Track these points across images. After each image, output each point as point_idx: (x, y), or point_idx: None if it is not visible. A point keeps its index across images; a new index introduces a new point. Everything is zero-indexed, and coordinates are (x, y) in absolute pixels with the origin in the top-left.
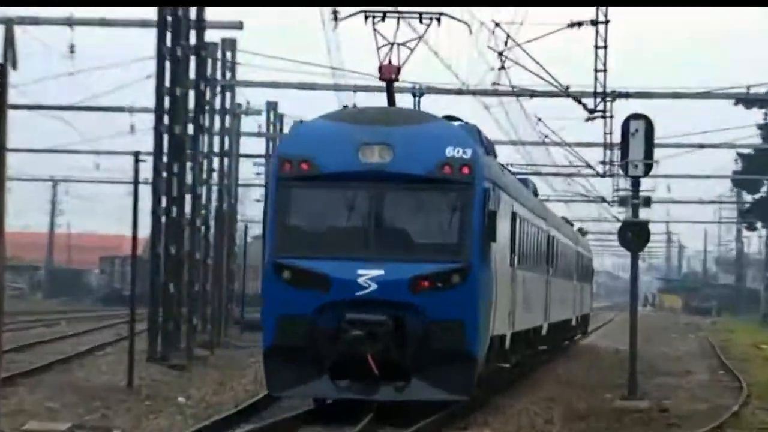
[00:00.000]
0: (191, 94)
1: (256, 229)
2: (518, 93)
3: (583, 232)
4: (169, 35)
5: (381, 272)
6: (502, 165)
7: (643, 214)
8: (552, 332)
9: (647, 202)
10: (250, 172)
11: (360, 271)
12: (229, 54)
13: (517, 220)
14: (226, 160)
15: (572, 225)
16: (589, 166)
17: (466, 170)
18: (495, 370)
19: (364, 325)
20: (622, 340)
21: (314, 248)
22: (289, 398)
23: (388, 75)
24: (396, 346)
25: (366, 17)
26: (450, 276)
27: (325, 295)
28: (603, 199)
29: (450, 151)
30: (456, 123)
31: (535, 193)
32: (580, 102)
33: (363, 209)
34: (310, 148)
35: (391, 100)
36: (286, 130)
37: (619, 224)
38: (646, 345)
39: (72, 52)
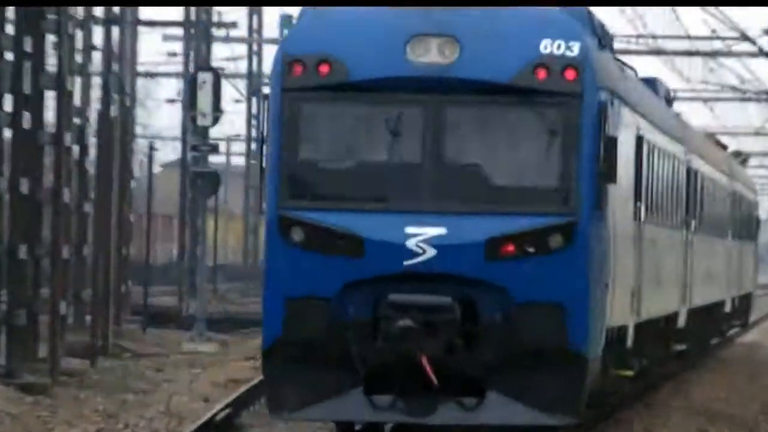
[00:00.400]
0: None
1: (169, 152)
2: None
3: (741, 157)
4: None
5: (442, 231)
6: (622, 61)
7: None
8: (693, 323)
9: None
10: (157, 51)
11: (409, 230)
12: None
13: (644, 149)
14: (115, 31)
15: (724, 147)
16: (746, 38)
17: (571, 74)
18: (612, 380)
19: (417, 311)
20: None
21: (339, 195)
22: (297, 421)
23: None
24: (464, 343)
25: None
26: (547, 236)
27: (356, 267)
28: None
29: (547, 46)
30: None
31: (669, 101)
32: None
33: (414, 136)
34: (333, 43)
35: None
36: None
37: None
38: None
39: None
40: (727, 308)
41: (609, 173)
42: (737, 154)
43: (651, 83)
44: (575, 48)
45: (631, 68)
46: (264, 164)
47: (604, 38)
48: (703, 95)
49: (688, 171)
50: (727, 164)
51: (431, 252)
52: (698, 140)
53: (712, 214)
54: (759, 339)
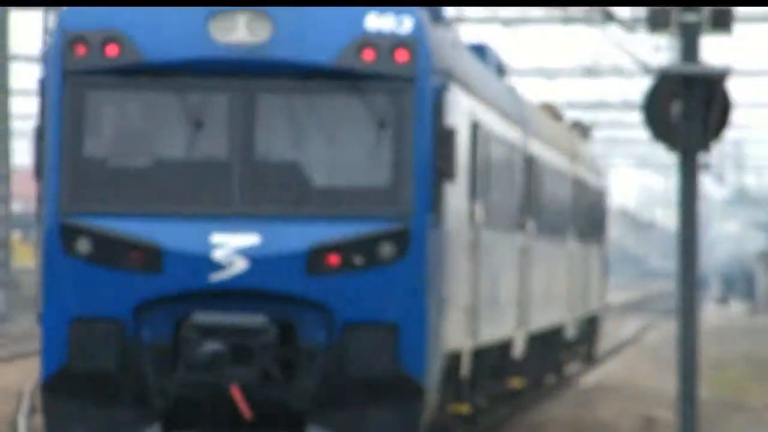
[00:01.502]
0: None
1: None
2: None
3: (584, 129)
4: None
5: (254, 240)
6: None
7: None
8: (531, 352)
9: (722, 19)
10: None
11: (216, 238)
12: None
13: (480, 136)
14: None
15: (561, 119)
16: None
17: (402, 55)
18: (447, 418)
19: (226, 333)
20: (666, 383)
21: (133, 198)
22: None
23: None
24: (283, 371)
25: None
26: (377, 245)
27: (153, 282)
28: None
29: (373, 21)
30: None
31: (501, 71)
32: None
33: (219, 127)
34: (123, 17)
35: None
36: None
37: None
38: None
39: None
40: (570, 333)
41: (447, 170)
42: (577, 125)
43: (480, 51)
44: (407, 24)
45: (448, 22)
46: (42, 162)
47: (437, 13)
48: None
49: (526, 158)
50: (569, 143)
51: (242, 264)
52: (536, 119)
53: (553, 210)
54: (608, 379)
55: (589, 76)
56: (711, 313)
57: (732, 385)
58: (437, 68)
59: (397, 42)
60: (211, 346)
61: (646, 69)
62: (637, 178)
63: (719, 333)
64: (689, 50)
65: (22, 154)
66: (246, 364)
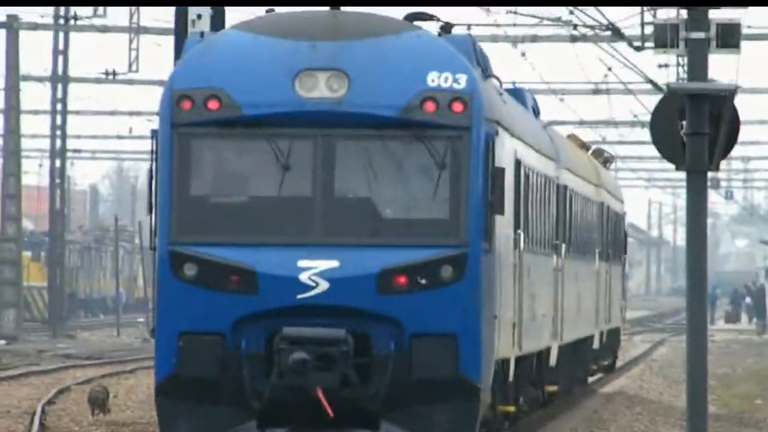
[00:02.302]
0: None
1: None
2: None
3: (605, 158)
4: None
5: (334, 264)
6: (497, 79)
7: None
8: (563, 361)
9: (729, 37)
10: None
11: (302, 263)
12: None
13: (522, 173)
14: None
15: (587, 148)
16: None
17: (459, 107)
18: (498, 416)
19: (311, 344)
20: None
21: (232, 230)
22: None
23: None
24: (359, 375)
25: None
26: (439, 268)
27: (249, 301)
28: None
29: (434, 79)
30: (426, 26)
31: (536, 111)
32: None
33: (305, 169)
34: (221, 76)
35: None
36: None
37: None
38: None
39: None
40: (596, 344)
41: (497, 204)
42: (600, 153)
43: (518, 95)
44: (462, 80)
45: (498, 79)
46: (154, 199)
47: (486, 67)
48: (553, 87)
49: (558, 188)
50: (595, 172)
51: (324, 285)
52: (567, 151)
53: (582, 234)
54: (627, 387)
55: (598, 94)
56: (721, 330)
57: (740, 401)
58: (488, 117)
59: (454, 96)
60: (299, 355)
61: (656, 86)
62: (646, 195)
63: (728, 349)
64: (697, 68)
65: (32, 174)
66: (328, 371)
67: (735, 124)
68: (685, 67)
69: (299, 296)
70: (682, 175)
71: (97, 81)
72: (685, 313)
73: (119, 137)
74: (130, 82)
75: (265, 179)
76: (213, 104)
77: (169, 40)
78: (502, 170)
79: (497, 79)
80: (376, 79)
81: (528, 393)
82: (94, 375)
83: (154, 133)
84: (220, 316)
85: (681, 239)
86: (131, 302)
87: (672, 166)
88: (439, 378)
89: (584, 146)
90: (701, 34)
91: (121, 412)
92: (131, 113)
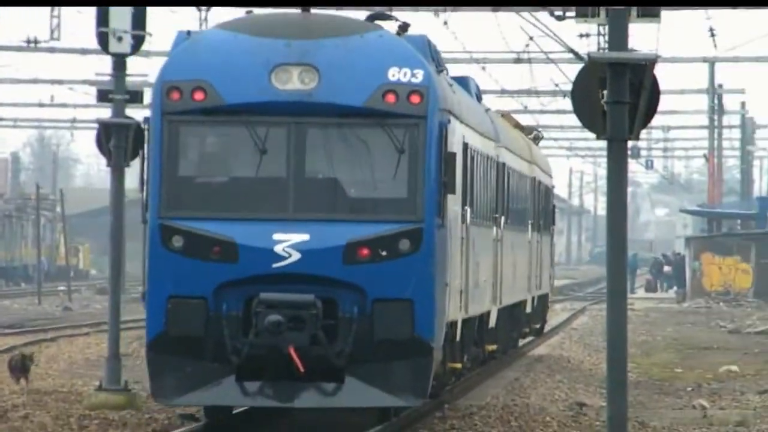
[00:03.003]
0: None
1: None
2: None
3: (536, 136)
4: None
5: (305, 237)
6: (455, 79)
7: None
8: (501, 323)
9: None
10: None
11: (277, 236)
12: None
13: (469, 155)
14: None
15: (521, 128)
16: None
17: (416, 99)
18: (446, 372)
19: (284, 307)
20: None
21: (215, 206)
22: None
23: None
24: (326, 335)
25: None
26: (397, 241)
27: (230, 269)
28: None
29: (394, 73)
30: (386, 25)
31: (479, 97)
32: None
33: (280, 153)
34: (207, 70)
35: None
36: None
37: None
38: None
39: None
40: (528, 308)
41: (449, 185)
42: (530, 131)
43: (463, 82)
44: (419, 75)
45: (446, 69)
46: (146, 179)
47: (439, 62)
48: (475, 56)
49: (498, 165)
50: (528, 149)
51: (296, 255)
52: (504, 131)
53: (517, 207)
54: (552, 354)
55: (519, 63)
56: (642, 298)
57: (660, 369)
58: (441, 108)
59: (411, 89)
60: (274, 317)
61: (577, 56)
62: (567, 164)
63: (648, 318)
64: (617, 37)
65: None
66: (299, 331)
67: (655, 93)
68: (606, 37)
69: (274, 265)
70: (603, 144)
71: (19, 49)
72: (606, 281)
73: (41, 105)
74: (52, 50)
75: (244, 161)
76: (199, 95)
77: (91, 9)
78: (453, 154)
79: (446, 70)
80: (343, 74)
81: (471, 352)
82: (15, 343)
83: (146, 120)
84: (204, 282)
85: (602, 208)
86: (53, 271)
87: (593, 135)
88: (397, 338)
89: (517, 125)
90: (621, 4)
91: (42, 380)
92: (53, 81)
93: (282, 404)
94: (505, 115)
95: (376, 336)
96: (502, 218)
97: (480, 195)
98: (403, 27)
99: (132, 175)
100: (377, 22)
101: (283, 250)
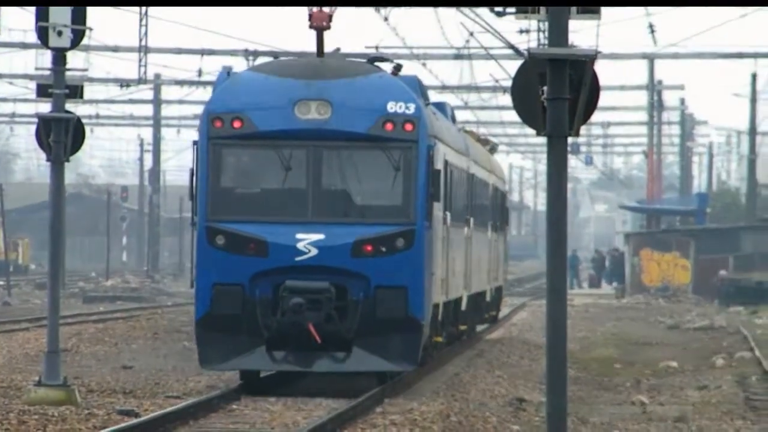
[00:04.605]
0: None
1: None
2: None
3: (492, 146)
4: None
5: (321, 236)
6: (434, 104)
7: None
8: (469, 307)
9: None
10: None
11: (299, 236)
12: None
13: (449, 170)
14: None
15: (483, 142)
16: None
17: (409, 127)
18: (431, 344)
19: (305, 292)
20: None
21: (249, 211)
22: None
23: (319, 23)
24: (338, 314)
25: None
26: (395, 240)
27: (262, 262)
28: None
29: (392, 107)
30: (382, 66)
31: (453, 119)
32: None
33: (301, 170)
34: (243, 104)
35: (320, 50)
36: None
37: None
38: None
39: None
40: (488, 297)
41: (435, 195)
42: (487, 142)
43: (441, 107)
44: (411, 108)
45: (429, 100)
46: (195, 190)
47: (426, 97)
48: (415, 51)
49: (468, 176)
50: (488, 159)
51: (314, 251)
52: (472, 146)
53: (481, 209)
54: (507, 336)
55: (459, 59)
56: (580, 294)
57: (599, 365)
58: (429, 134)
59: (406, 119)
60: (297, 300)
61: (517, 52)
62: (507, 160)
63: (587, 314)
64: (557, 33)
65: None
66: (317, 311)
67: (595, 89)
68: (546, 33)
69: (297, 259)
70: (543, 140)
71: None
72: (546, 277)
73: None
74: None
75: (273, 176)
76: (237, 123)
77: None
78: (438, 170)
79: (429, 101)
80: (351, 107)
81: (448, 329)
82: None
83: (195, 143)
84: (241, 272)
85: (541, 204)
86: None
87: (533, 131)
88: (394, 317)
89: (479, 139)
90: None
91: None
92: None
93: (303, 369)
94: (470, 132)
95: (378, 315)
96: (471, 220)
97: (456, 201)
98: (397, 68)
99: (71, 170)
100: (376, 63)
101: (304, 246)
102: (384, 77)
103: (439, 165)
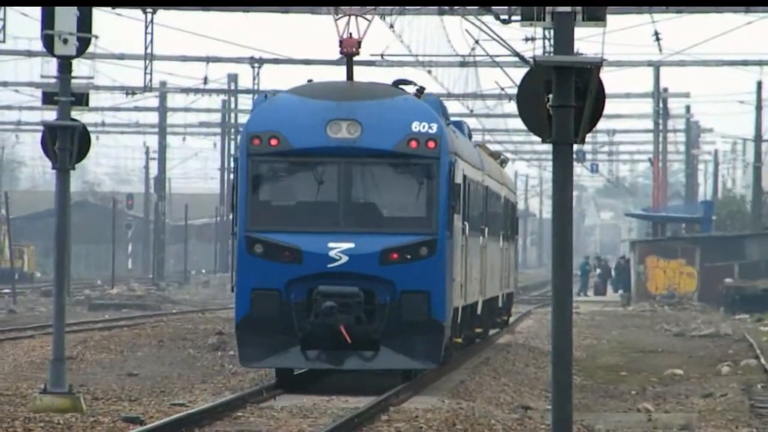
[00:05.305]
0: None
1: None
2: None
3: (502, 160)
4: None
5: (351, 245)
6: (453, 123)
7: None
8: (484, 312)
9: (595, 11)
10: None
11: (331, 244)
12: None
13: (467, 183)
14: None
15: (495, 156)
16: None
17: (431, 145)
18: (451, 344)
19: (336, 296)
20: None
21: (285, 222)
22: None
23: (349, 49)
24: (367, 317)
25: None
26: (418, 248)
27: (297, 268)
28: None
29: (416, 126)
30: (409, 90)
31: (469, 136)
32: None
33: (332, 184)
34: (279, 124)
35: (350, 74)
36: None
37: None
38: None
39: None
40: (500, 303)
41: (455, 207)
42: (498, 155)
43: (459, 125)
44: (434, 127)
45: (450, 119)
46: (235, 203)
47: (447, 116)
48: (421, 59)
49: (483, 188)
50: (500, 172)
51: (345, 258)
52: (487, 161)
53: (494, 220)
54: (516, 341)
55: (465, 67)
56: (586, 301)
57: (605, 372)
58: (450, 151)
59: (429, 137)
60: (329, 304)
61: (522, 60)
62: (513, 168)
63: (593, 321)
64: (563, 41)
65: None
66: (347, 313)
67: (601, 97)
68: (552, 41)
69: (329, 266)
70: (548, 147)
71: None
72: (551, 285)
73: None
74: None
75: (307, 190)
76: (274, 141)
77: (37, 11)
78: (459, 184)
79: (450, 120)
80: (379, 126)
81: (466, 331)
82: None
83: (235, 159)
84: (277, 278)
85: (547, 212)
86: None
87: (538, 139)
88: (418, 319)
89: (491, 153)
90: (567, 8)
91: None
92: None
93: (334, 367)
94: (482, 146)
95: (403, 317)
96: (486, 229)
97: (473, 212)
98: (420, 90)
99: (76, 178)
100: (401, 86)
101: (336, 254)
102: (408, 99)
103: (458, 179)
